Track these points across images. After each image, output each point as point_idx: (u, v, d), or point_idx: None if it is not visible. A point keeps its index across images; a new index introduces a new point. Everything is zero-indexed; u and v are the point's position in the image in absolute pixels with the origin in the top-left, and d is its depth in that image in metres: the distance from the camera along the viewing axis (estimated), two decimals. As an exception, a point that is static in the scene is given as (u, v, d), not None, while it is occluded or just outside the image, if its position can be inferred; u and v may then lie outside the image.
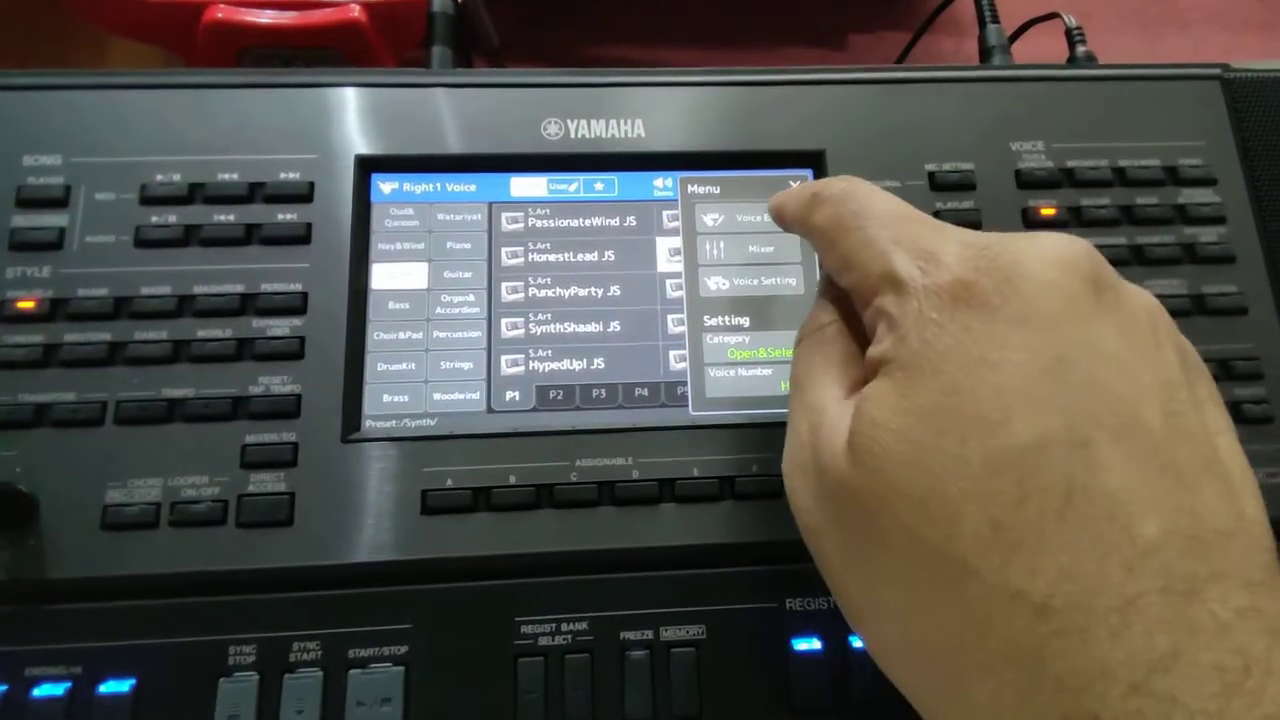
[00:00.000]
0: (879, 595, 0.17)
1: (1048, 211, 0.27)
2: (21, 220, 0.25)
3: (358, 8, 0.35)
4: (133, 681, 0.21)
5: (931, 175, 0.27)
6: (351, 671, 0.22)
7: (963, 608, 0.15)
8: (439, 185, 0.27)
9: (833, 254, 0.20)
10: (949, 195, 0.27)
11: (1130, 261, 0.27)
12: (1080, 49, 0.34)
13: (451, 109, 0.27)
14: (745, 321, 0.26)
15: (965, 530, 0.15)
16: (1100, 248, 0.26)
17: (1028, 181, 0.27)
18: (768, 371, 0.26)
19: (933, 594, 0.15)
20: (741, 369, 0.26)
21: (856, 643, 0.23)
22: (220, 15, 0.35)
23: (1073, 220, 0.27)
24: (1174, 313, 0.26)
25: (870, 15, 0.51)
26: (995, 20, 0.35)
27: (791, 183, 0.27)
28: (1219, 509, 0.15)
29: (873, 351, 0.18)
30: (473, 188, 0.27)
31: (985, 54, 0.34)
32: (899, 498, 0.16)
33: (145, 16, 0.36)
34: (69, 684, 0.21)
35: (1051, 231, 0.18)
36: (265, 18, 0.35)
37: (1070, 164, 0.27)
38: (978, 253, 0.17)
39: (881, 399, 0.17)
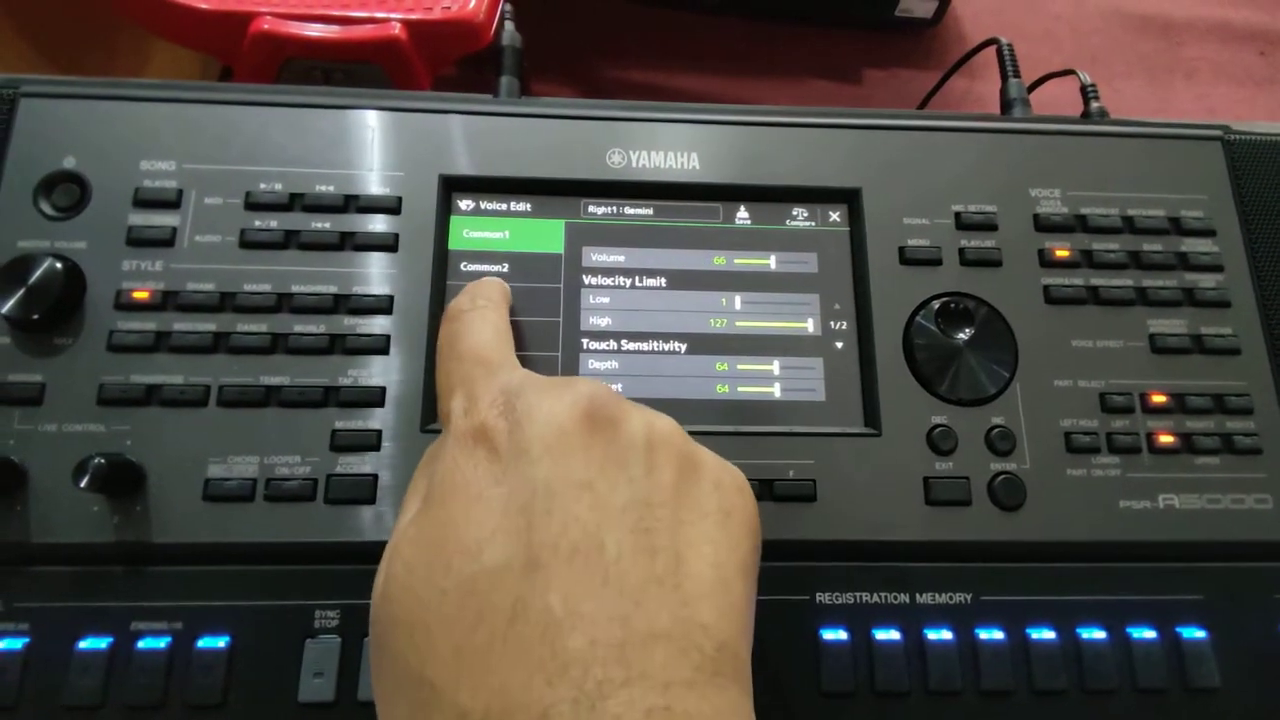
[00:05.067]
0: None
1: (1062, 253, 0.30)
2: (138, 219, 0.27)
3: (398, 26, 0.37)
4: (228, 638, 0.24)
5: (958, 215, 0.30)
6: (424, 639, 0.24)
7: None
8: (511, 204, 0.30)
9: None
10: (973, 234, 0.30)
11: (1135, 302, 0.29)
12: (1094, 104, 0.37)
13: (525, 136, 0.30)
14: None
15: (437, 656, 0.16)
16: (1109, 288, 0.29)
17: (1045, 225, 0.30)
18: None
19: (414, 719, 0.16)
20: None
21: (880, 635, 0.25)
22: (267, 27, 0.36)
23: (1084, 262, 0.30)
24: (1174, 351, 0.29)
25: (888, 55, 0.54)
26: (1016, 75, 0.38)
27: (833, 214, 0.30)
28: (659, 616, 0.16)
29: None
30: (545, 208, 0.29)
31: (1006, 105, 0.37)
32: (397, 627, 0.17)
33: (195, 24, 0.37)
34: (170, 638, 0.24)
35: (586, 380, 0.20)
36: (310, 32, 0.37)
37: (1084, 211, 0.30)
38: (506, 399, 0.19)
39: (405, 531, 0.18)
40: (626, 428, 0.19)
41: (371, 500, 0.25)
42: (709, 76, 0.52)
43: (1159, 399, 0.28)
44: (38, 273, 0.25)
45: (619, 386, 0.28)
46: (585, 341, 0.28)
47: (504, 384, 0.20)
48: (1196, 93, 0.55)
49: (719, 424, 0.27)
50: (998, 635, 0.25)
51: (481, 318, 0.23)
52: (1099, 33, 0.57)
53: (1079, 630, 0.26)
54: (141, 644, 0.23)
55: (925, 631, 0.25)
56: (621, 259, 0.29)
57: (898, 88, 0.53)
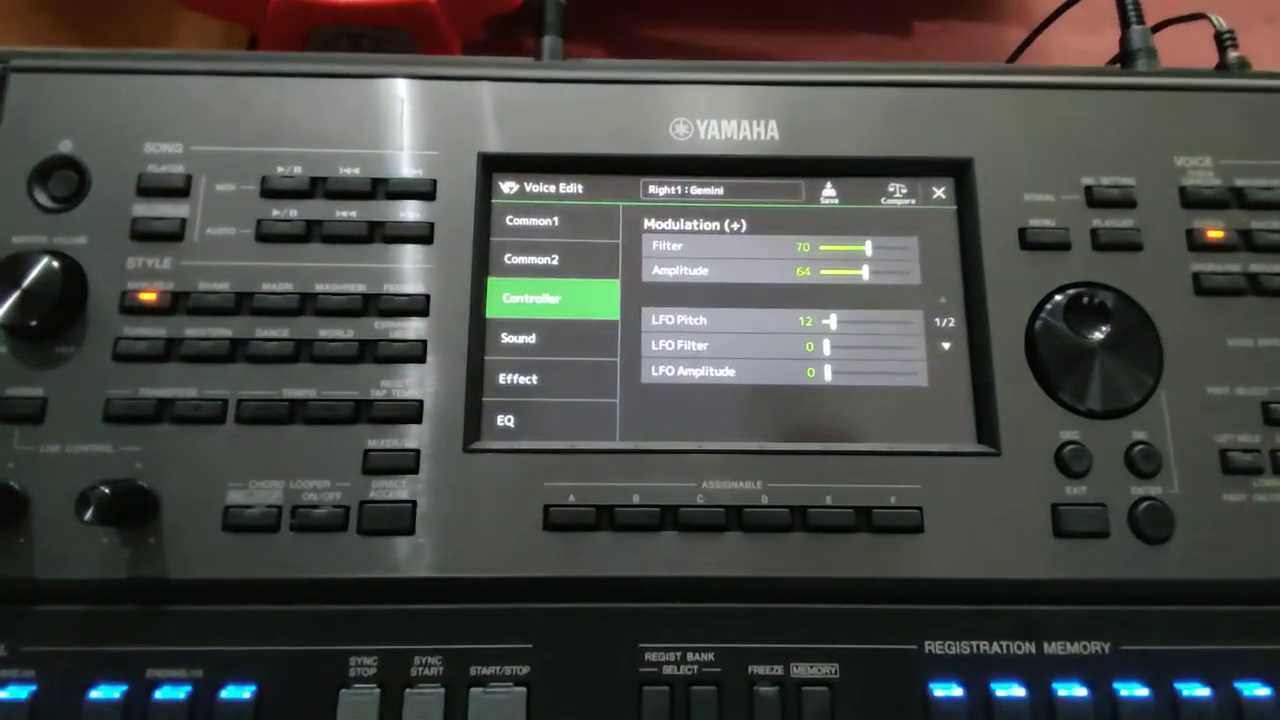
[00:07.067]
0: None
1: (1215, 234, 0.25)
2: (143, 209, 0.24)
3: (428, -10, 0.35)
4: (254, 688, 0.21)
5: (1089, 190, 0.25)
6: (473, 690, 0.21)
7: None
8: (560, 186, 0.26)
9: None
10: (1107, 212, 0.25)
11: (1304, 292, 0.25)
12: (1232, 54, 0.32)
13: (574, 105, 0.26)
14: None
15: None
16: (1271, 276, 0.24)
17: (1193, 201, 0.25)
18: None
19: None
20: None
21: (1000, 691, 0.22)
22: (293, -7, 0.34)
23: (1242, 244, 0.25)
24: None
25: (939, 5, 0.49)
26: (1140, 21, 0.32)
27: (937, 190, 0.26)
28: None
29: None
30: (600, 190, 0.26)
31: (1128, 57, 0.32)
32: None
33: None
34: (190, 687, 0.21)
35: None
36: (338, -3, 0.35)
37: (1240, 183, 0.25)
38: None
39: None
40: None
41: (410, 530, 0.22)
42: (749, 34, 0.48)
43: (1335, 409, 0.23)
44: (34, 273, 0.23)
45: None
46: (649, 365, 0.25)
47: None
48: (1276, 44, 0.50)
49: (808, 443, 0.24)
50: (1141, 692, 0.22)
51: None
52: (1173, -22, 0.52)
53: (1238, 685, 0.22)
54: (159, 694, 0.21)
55: (1055, 686, 0.22)
56: (682, 246, 0.25)
57: (948, 40, 0.48)
